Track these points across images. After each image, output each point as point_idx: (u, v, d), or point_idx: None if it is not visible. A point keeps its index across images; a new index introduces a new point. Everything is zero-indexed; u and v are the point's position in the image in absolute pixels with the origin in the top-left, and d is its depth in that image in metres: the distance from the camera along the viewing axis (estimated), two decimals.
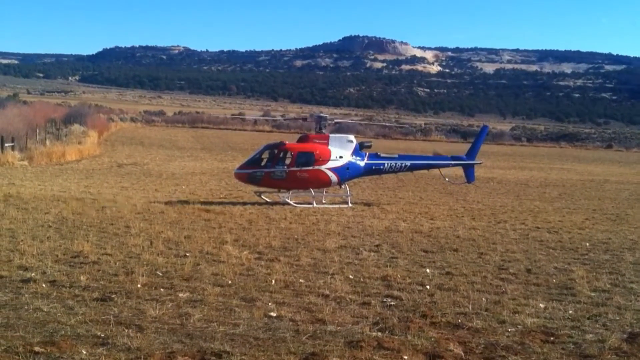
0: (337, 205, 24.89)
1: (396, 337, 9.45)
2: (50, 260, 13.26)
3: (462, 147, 31.40)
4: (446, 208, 25.59)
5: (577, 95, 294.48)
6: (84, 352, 8.25)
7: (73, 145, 46.27)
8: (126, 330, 9.14)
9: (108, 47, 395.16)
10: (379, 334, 9.63)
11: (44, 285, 11.37)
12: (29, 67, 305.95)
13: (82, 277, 11.94)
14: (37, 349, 8.24)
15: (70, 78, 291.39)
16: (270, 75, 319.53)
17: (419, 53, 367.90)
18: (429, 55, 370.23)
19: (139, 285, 11.62)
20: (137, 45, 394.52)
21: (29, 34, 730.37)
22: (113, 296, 10.89)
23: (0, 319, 9.45)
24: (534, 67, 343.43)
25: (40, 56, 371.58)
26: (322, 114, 28.39)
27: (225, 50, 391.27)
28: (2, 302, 10.34)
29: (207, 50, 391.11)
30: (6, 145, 38.09)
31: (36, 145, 42.99)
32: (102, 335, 8.94)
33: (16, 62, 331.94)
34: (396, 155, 27.42)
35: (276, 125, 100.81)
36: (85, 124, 63.49)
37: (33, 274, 12.06)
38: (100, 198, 23.52)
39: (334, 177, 25.05)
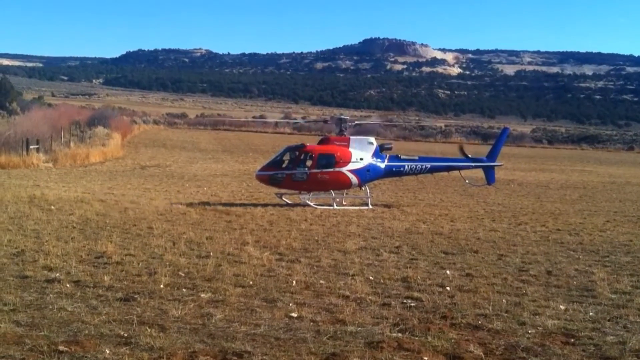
0: (357, 207, 24.92)
1: (416, 338, 9.48)
2: (75, 260, 13.41)
3: (483, 149, 31.33)
4: (466, 210, 25.54)
5: (598, 97, 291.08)
6: (108, 352, 8.36)
7: (97, 147, 46.73)
8: (149, 330, 9.22)
9: (131, 50, 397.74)
10: (399, 334, 9.65)
11: (68, 285, 11.51)
12: (54, 70, 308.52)
13: (105, 277, 12.07)
14: (61, 348, 8.36)
15: (94, 81, 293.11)
16: (291, 77, 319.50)
17: (439, 55, 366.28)
18: (449, 57, 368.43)
19: (161, 286, 11.73)
20: (160, 49, 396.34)
21: (54, 37, 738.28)
22: (136, 296, 11.00)
23: (26, 319, 9.58)
24: (555, 69, 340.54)
25: (65, 59, 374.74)
26: (342, 116, 28.46)
27: (246, 53, 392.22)
28: (27, 301, 10.48)
29: (228, 53, 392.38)
30: (31, 147, 38.54)
31: (60, 147, 43.47)
32: (125, 334, 9.04)
33: (41, 65, 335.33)
34: (416, 157, 27.43)
35: (297, 127, 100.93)
36: (109, 126, 63.94)
37: (57, 274, 12.21)
38: (123, 199, 23.75)
39: (354, 179, 25.09)
